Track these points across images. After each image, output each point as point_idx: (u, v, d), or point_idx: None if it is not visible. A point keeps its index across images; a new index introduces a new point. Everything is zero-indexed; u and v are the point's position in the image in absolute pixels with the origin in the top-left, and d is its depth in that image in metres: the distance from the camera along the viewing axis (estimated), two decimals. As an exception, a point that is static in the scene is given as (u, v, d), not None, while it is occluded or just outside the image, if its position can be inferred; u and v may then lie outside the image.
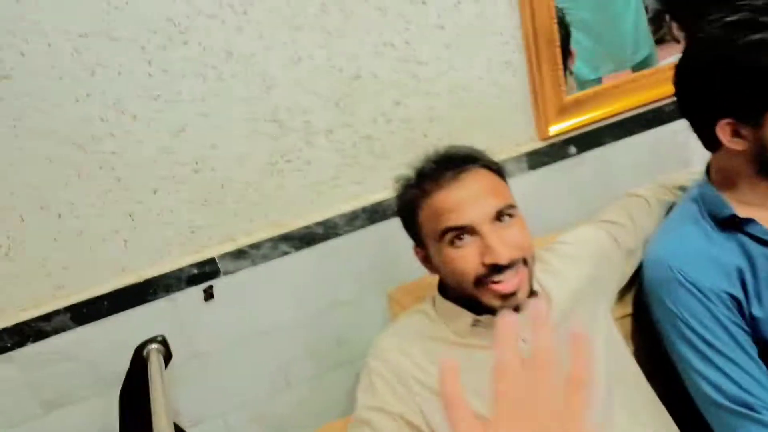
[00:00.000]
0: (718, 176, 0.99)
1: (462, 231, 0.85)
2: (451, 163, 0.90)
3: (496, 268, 0.83)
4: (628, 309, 1.12)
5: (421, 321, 0.97)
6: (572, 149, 1.32)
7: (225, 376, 1.23)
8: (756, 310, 0.91)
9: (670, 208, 1.11)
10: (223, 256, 1.16)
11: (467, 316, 0.92)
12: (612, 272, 1.06)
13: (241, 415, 1.25)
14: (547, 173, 1.31)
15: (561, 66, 1.23)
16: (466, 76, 1.21)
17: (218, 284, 1.17)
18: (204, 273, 1.15)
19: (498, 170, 0.93)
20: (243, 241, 1.17)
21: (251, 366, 1.24)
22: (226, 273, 1.17)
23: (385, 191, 1.22)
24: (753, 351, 0.91)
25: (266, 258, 1.18)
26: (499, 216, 0.86)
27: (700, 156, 1.41)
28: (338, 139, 1.18)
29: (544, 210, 1.31)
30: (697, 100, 0.95)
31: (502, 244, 0.83)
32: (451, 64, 1.20)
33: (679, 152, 1.38)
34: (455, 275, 0.87)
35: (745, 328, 0.91)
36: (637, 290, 1.10)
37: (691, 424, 0.98)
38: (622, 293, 1.11)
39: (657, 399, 0.99)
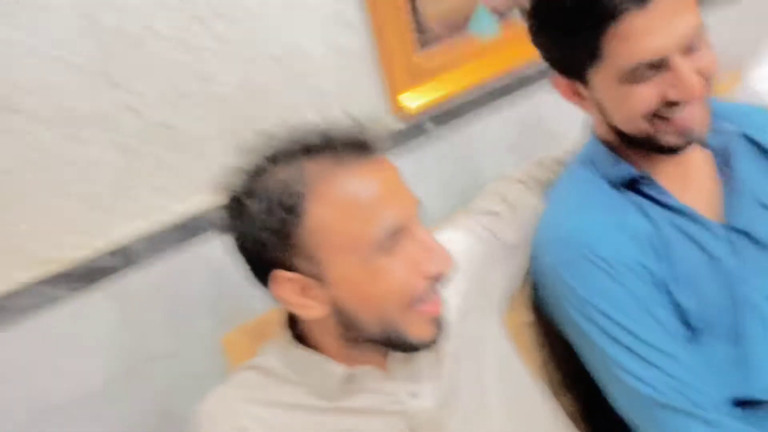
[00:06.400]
0: (605, 138, 0.83)
1: (398, 232, 0.61)
2: (356, 144, 0.63)
3: (437, 280, 0.64)
4: (525, 316, 0.91)
5: (262, 381, 0.67)
6: (429, 124, 1.09)
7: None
8: (676, 291, 0.75)
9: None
10: (-44, 317, 0.78)
11: (336, 369, 0.65)
12: (494, 276, 0.84)
13: None
14: (405, 154, 1.08)
15: (410, 20, 0.99)
16: (289, 35, 0.93)
17: (-47, 361, 0.78)
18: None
19: None
20: (-14, 292, 0.79)
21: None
22: (-36, 342, 0.78)
23: (199, 197, 0.90)
24: (681, 333, 0.74)
25: (27, 310, 0.81)
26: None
27: (568, 128, 1.26)
28: (117, 129, 0.84)
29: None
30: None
31: (441, 246, 0.63)
32: (266, 19, 0.91)
33: (545, 124, 1.22)
34: (390, 297, 0.61)
35: (668, 305, 0.75)
36: (533, 290, 0.90)
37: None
38: (516, 299, 0.90)
39: (559, 422, 0.80)
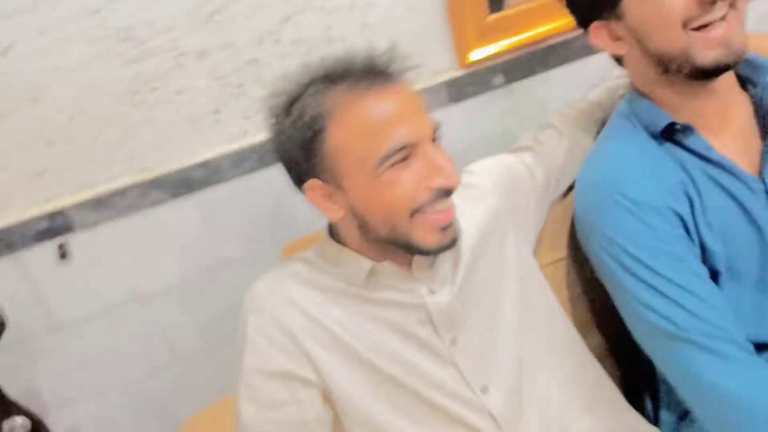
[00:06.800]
0: (645, 88, 0.84)
1: (407, 150, 0.69)
2: (374, 72, 0.72)
3: (444, 193, 0.71)
4: (561, 252, 0.97)
5: (307, 269, 0.80)
6: (499, 79, 1.14)
7: (94, 349, 1.04)
8: (706, 236, 0.77)
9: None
10: (79, 206, 0.97)
11: (363, 263, 0.76)
12: (526, 201, 0.91)
13: (117, 394, 1.07)
14: (471, 106, 1.14)
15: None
16: (368, -11, 1.03)
17: (75, 240, 0.98)
18: (56, 227, 0.96)
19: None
20: (103, 189, 0.98)
21: (127, 337, 1.06)
22: (84, 226, 0.98)
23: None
24: (704, 273, 0.76)
25: (134, 208, 0.99)
26: (434, 137, 0.73)
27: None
28: (215, 64, 0.98)
29: (469, 148, 1.14)
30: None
31: (450, 164, 0.71)
32: (348, -27, 1.01)
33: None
34: (393, 205, 0.70)
35: (694, 248, 0.77)
36: (571, 228, 0.95)
37: (642, 377, 0.85)
38: (554, 235, 0.96)
39: (587, 353, 0.85)
